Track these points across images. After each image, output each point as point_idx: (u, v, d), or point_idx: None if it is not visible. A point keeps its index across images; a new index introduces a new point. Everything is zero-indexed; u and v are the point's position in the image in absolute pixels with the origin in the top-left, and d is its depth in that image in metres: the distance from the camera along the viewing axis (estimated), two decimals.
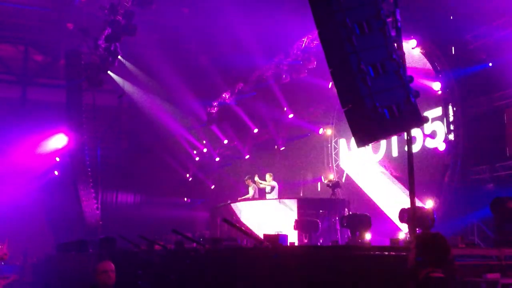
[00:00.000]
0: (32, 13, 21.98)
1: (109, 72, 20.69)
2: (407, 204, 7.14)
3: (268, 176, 16.48)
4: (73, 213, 21.88)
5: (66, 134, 23.03)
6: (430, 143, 13.93)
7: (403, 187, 14.51)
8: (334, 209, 14.21)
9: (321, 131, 18.67)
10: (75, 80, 21.71)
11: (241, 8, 16.56)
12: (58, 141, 24.13)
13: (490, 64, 12.56)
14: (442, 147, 13.34)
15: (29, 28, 22.24)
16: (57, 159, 24.25)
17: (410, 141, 6.02)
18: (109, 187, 24.66)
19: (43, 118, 24.13)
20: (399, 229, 12.02)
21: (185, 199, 26.85)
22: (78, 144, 22.07)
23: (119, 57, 18.49)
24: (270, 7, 15.98)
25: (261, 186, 16.30)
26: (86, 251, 14.08)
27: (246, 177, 17.08)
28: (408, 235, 7.51)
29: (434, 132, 13.83)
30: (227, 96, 22.18)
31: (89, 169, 21.80)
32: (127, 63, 21.62)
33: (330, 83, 16.57)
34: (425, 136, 14.04)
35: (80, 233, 19.36)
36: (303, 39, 17.50)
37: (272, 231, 10.50)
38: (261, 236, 8.47)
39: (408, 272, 3.91)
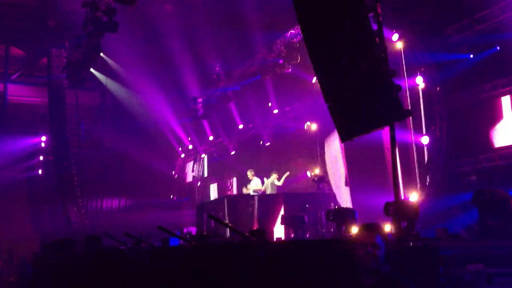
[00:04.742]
0: (13, 11, 21.72)
1: (91, 69, 20.55)
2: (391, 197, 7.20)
3: (249, 173, 16.55)
4: (58, 213, 21.72)
5: (49, 133, 22.86)
6: (414, 137, 14.00)
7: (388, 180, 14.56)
8: (320, 204, 14.29)
9: (306, 126, 18.70)
10: (57, 78, 21.53)
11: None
12: (41, 139, 23.96)
13: (472, 56, 12.68)
14: (425, 140, 13.44)
15: (10, 27, 21.98)
16: (41, 158, 24.07)
17: (393, 134, 6.06)
18: (94, 186, 24.46)
19: (25, 117, 23.93)
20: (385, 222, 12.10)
21: (172, 196, 26.75)
22: (61, 143, 21.91)
23: (101, 54, 18.36)
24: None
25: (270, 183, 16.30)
26: (72, 250, 13.97)
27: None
28: (393, 228, 7.57)
29: (417, 126, 13.90)
30: (212, 93, 22.15)
31: (73, 168, 21.64)
32: (109, 60, 21.48)
33: (314, 78, 16.61)
34: (409, 129, 14.10)
35: (65, 232, 19.21)
36: (287, 35, 17.52)
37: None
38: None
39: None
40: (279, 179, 16.49)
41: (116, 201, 26.06)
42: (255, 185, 16.55)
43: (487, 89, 12.57)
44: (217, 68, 21.45)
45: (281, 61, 17.92)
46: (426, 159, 13.44)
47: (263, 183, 16.75)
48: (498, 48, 12.10)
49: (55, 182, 22.08)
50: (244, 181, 17.25)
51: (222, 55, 20.90)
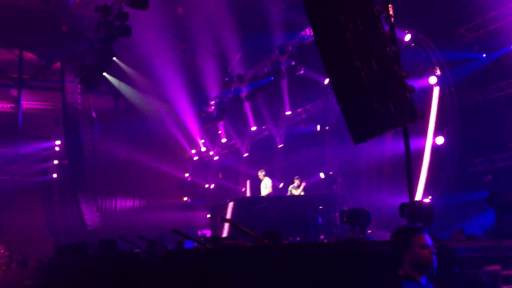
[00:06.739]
0: (27, 16, 21.93)
1: (104, 73, 20.67)
2: (406, 199, 7.16)
3: (260, 173, 16.52)
4: (73, 216, 21.88)
5: (63, 137, 23.03)
6: (428, 137, 13.90)
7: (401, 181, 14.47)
8: (334, 205, 14.25)
9: (318, 127, 18.65)
10: (70, 82, 21.70)
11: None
12: (55, 144, 24.17)
13: (484, 55, 12.59)
14: (440, 140, 13.35)
15: (24, 32, 22.19)
16: (55, 161, 24.27)
17: (407, 135, 6.03)
18: (108, 190, 24.60)
19: (39, 121, 24.16)
20: (399, 224, 12.03)
21: (185, 198, 26.75)
22: (75, 146, 22.07)
23: (114, 58, 18.47)
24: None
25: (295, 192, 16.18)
26: (86, 254, 14.07)
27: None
28: None
29: (431, 126, 13.81)
30: (224, 95, 22.15)
31: (87, 171, 21.81)
32: (122, 64, 21.61)
33: (326, 80, 16.58)
34: (423, 129, 14.00)
35: (80, 236, 19.35)
36: (298, 36, 17.48)
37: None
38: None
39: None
40: (298, 187, 16.34)
41: (130, 202, 26.16)
42: (265, 185, 16.51)
43: (501, 88, 12.47)
44: (230, 70, 21.49)
45: (293, 63, 17.88)
46: (440, 159, 13.35)
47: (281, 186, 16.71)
48: None
49: (70, 185, 22.24)
50: (257, 183, 17.22)
51: (235, 57, 20.94)
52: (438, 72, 13.35)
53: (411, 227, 3.89)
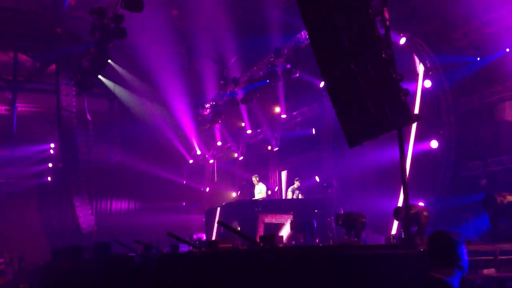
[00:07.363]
0: (21, 18, 21.85)
1: (99, 76, 20.62)
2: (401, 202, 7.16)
3: (254, 178, 16.52)
4: (68, 219, 21.78)
5: (58, 140, 22.95)
6: (424, 140, 13.93)
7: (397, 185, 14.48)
8: (329, 208, 14.23)
9: (314, 130, 18.65)
10: (65, 85, 21.63)
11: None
12: (50, 146, 24.10)
13: (478, 59, 12.62)
14: (434, 144, 13.37)
15: (19, 34, 22.10)
16: (50, 164, 24.19)
17: (401, 139, 6.02)
18: (103, 193, 24.51)
19: (34, 124, 24.07)
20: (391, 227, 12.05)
21: (182, 203, 26.66)
22: (70, 149, 21.99)
23: (109, 61, 18.43)
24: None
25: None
26: (81, 257, 14.02)
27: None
28: (403, 233, 7.52)
29: (426, 129, 13.83)
30: (220, 98, 22.14)
31: (82, 174, 21.73)
32: (117, 67, 21.56)
33: (322, 83, 16.59)
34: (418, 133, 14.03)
35: (75, 239, 19.26)
36: (294, 39, 17.48)
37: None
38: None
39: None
40: (298, 189, 16.26)
41: (125, 205, 26.04)
42: (259, 190, 16.50)
43: (496, 92, 12.50)
44: (225, 73, 21.46)
45: (288, 66, 17.87)
46: (435, 162, 13.37)
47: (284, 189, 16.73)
48: (508, 50, 12.04)
49: (64, 188, 22.16)
50: (252, 187, 17.22)
51: (231, 60, 20.92)
52: (433, 76, 13.38)
53: (455, 233, 3.99)
